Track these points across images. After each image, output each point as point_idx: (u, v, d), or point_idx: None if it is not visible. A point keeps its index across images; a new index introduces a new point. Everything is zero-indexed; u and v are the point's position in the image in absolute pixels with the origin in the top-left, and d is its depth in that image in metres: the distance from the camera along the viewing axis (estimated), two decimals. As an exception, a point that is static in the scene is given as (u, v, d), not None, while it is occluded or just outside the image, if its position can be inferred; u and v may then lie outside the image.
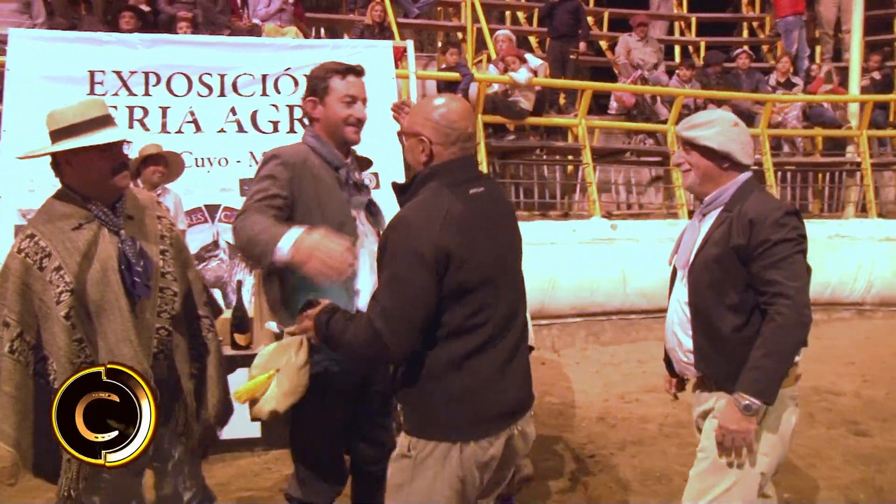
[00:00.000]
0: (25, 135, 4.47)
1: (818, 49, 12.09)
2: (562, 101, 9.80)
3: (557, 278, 7.06)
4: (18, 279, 2.34)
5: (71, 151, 2.39)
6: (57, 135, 2.41)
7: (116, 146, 2.46)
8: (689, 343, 2.62)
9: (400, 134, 2.44)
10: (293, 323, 2.44)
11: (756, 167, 9.07)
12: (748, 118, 9.54)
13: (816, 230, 7.83)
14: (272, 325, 2.96)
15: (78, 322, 2.35)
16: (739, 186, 2.56)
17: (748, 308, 2.48)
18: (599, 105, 10.28)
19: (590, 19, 11.63)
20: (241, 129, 5.05)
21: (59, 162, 2.44)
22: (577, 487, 4.14)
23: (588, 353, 7.11)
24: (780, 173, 9.56)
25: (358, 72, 2.72)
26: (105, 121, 2.45)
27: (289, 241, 2.23)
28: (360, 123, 2.66)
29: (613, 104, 9.98)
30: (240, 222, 2.42)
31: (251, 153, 5.03)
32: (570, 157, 9.28)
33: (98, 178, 2.43)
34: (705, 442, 2.60)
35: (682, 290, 2.64)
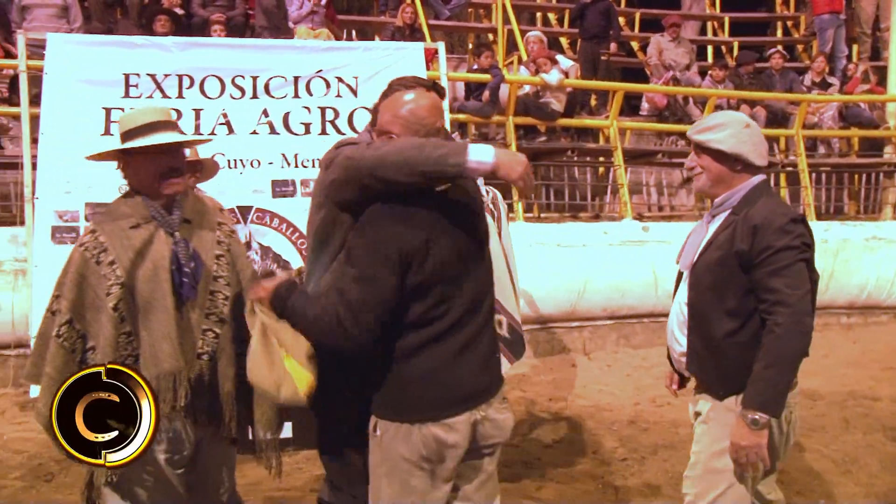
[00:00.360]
0: (63, 138, 4.51)
1: (855, 48, 11.90)
2: (593, 102, 9.77)
3: (589, 280, 7.02)
4: (76, 271, 2.45)
5: (125, 154, 2.50)
6: (122, 137, 2.52)
7: (167, 152, 2.52)
8: (684, 343, 2.62)
9: (372, 133, 2.44)
10: None
11: (791, 168, 8.96)
12: (782, 119, 9.43)
13: (853, 232, 7.72)
14: None
15: (128, 316, 2.44)
16: (750, 190, 2.54)
17: (745, 314, 2.47)
18: (631, 106, 10.23)
19: (621, 20, 11.58)
20: (273, 131, 5.07)
21: (121, 164, 2.57)
22: (608, 491, 4.12)
23: (619, 356, 7.06)
24: (815, 174, 9.41)
25: (441, 93, 2.75)
26: (154, 126, 2.51)
27: (487, 150, 2.15)
28: None
29: (645, 105, 9.93)
30: (383, 146, 2.23)
31: (283, 155, 5.05)
32: (601, 159, 9.24)
33: (147, 182, 2.53)
34: (695, 447, 2.64)
35: (684, 291, 2.63)
